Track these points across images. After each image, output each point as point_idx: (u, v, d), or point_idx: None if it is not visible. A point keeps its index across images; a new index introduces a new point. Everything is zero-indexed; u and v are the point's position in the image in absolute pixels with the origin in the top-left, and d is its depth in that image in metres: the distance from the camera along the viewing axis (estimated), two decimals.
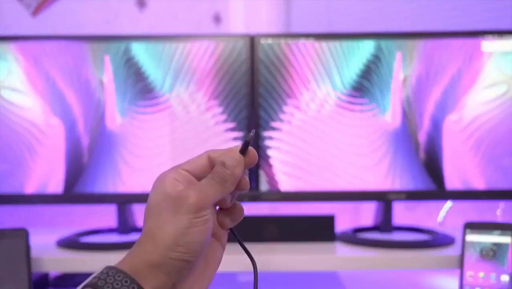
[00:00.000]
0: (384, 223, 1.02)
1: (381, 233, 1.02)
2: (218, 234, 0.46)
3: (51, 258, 0.91)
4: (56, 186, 0.99)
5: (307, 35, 0.99)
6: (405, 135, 0.99)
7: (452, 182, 0.99)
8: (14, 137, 0.99)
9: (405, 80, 0.98)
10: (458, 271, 0.89)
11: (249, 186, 0.45)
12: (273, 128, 0.99)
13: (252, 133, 0.44)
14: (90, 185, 0.99)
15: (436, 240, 0.96)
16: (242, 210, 0.46)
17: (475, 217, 1.07)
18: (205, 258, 0.44)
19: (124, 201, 1.02)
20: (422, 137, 0.99)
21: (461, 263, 0.88)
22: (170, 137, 0.99)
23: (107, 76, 0.99)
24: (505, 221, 1.02)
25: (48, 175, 0.99)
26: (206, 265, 0.45)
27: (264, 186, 1.00)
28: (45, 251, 0.94)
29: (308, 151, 1.00)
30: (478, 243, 0.88)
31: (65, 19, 1.22)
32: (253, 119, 0.99)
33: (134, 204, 1.05)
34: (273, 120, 0.99)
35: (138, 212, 1.07)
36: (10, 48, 0.98)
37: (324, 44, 0.98)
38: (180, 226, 0.40)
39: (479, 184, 0.98)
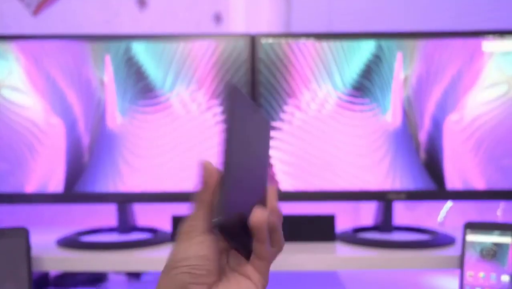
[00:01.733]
0: (384, 223, 1.02)
1: (381, 233, 1.02)
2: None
3: (51, 257, 0.91)
4: (56, 185, 1.00)
5: (307, 35, 0.99)
6: (405, 135, 0.99)
7: (452, 182, 0.99)
8: (15, 136, 0.99)
9: (405, 80, 0.98)
10: (458, 271, 0.89)
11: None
12: (274, 128, 0.99)
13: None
14: (90, 184, 0.99)
15: (436, 240, 0.96)
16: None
17: (475, 217, 1.07)
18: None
19: (124, 201, 1.02)
20: (422, 137, 0.99)
21: (461, 263, 0.88)
22: (170, 136, 0.99)
23: (107, 76, 0.99)
24: (505, 221, 1.02)
25: (49, 174, 0.99)
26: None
27: None
28: (46, 250, 0.94)
29: (308, 150, 1.00)
30: (479, 243, 0.88)
31: (66, 18, 1.22)
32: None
33: (134, 204, 1.05)
34: (273, 120, 0.99)
35: (138, 212, 1.07)
36: (10, 48, 0.98)
37: (325, 44, 0.98)
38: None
39: (479, 184, 0.98)
